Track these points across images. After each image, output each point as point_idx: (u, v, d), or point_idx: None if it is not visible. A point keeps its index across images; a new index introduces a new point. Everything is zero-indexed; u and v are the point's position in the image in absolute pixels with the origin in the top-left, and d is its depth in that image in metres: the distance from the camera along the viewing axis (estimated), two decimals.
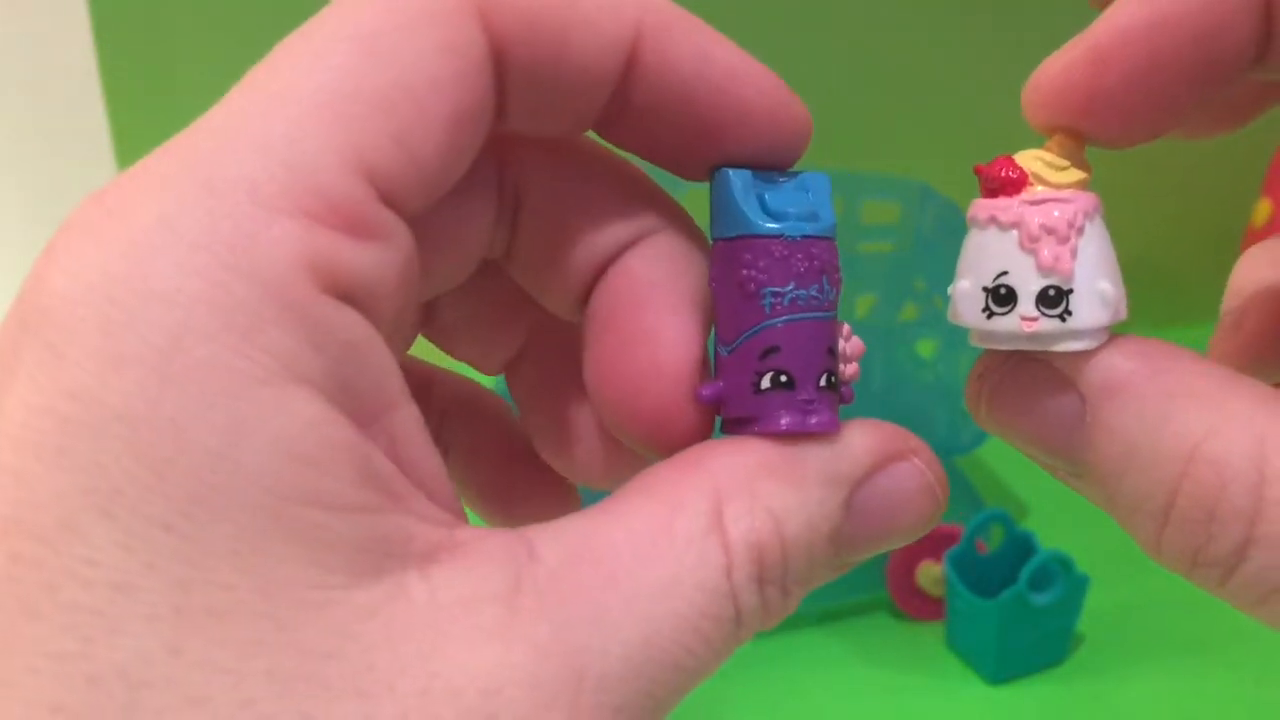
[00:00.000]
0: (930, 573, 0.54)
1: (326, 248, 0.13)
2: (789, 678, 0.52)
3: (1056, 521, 0.58)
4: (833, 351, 0.17)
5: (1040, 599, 0.50)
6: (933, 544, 0.53)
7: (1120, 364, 0.16)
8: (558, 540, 0.15)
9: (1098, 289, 0.17)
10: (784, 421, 0.16)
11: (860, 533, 0.17)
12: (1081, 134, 0.17)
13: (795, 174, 0.18)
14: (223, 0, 0.68)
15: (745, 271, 0.17)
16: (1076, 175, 0.17)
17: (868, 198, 0.61)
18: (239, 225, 0.13)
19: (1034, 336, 0.17)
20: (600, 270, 0.18)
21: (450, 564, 0.14)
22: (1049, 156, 0.17)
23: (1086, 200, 0.17)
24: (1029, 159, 0.17)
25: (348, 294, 0.14)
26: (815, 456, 0.16)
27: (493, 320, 0.21)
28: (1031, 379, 0.17)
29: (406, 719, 0.12)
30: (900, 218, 0.61)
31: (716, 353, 0.18)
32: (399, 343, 0.18)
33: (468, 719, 0.13)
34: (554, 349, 0.21)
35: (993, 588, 0.50)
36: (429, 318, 0.20)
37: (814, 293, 0.17)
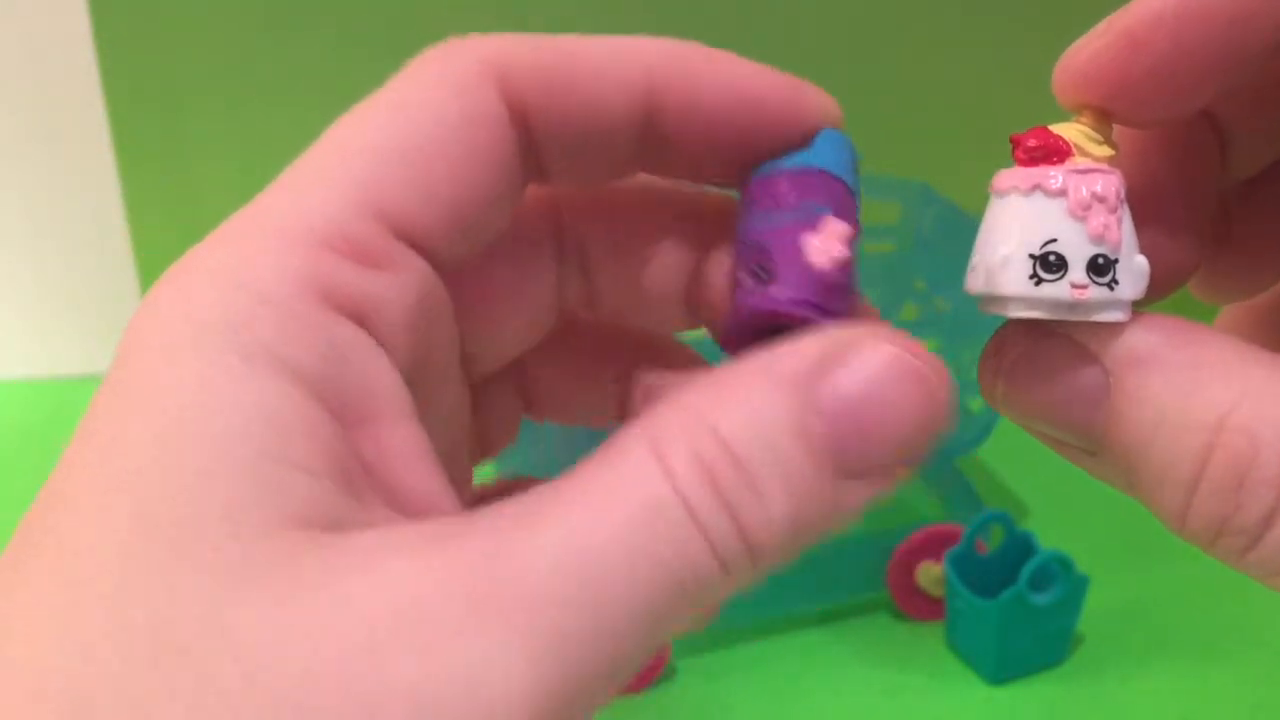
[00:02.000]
0: (930, 573, 0.54)
1: (331, 269, 0.15)
2: (789, 678, 0.52)
3: (1056, 521, 0.59)
4: (759, 248, 0.18)
5: (1040, 599, 0.50)
6: (933, 544, 0.53)
7: (1147, 336, 0.17)
8: (494, 508, 0.15)
9: (1136, 261, 0.17)
10: (750, 301, 0.18)
11: (843, 433, 0.15)
12: (1110, 113, 0.17)
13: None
14: (223, 1, 0.68)
15: (743, 207, 0.19)
16: (1109, 150, 0.17)
17: (868, 198, 0.60)
18: (256, 255, 0.15)
19: (1082, 304, 0.17)
20: (687, 287, 0.20)
21: (384, 527, 0.14)
22: (1087, 129, 0.17)
23: (1121, 175, 0.17)
24: (1069, 130, 0.17)
25: (352, 311, 0.15)
26: (753, 364, 0.15)
27: (584, 373, 0.22)
28: (1054, 352, 0.17)
29: (325, 630, 0.13)
30: (900, 218, 0.61)
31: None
32: (445, 386, 0.19)
33: (397, 621, 0.13)
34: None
35: (993, 588, 0.50)
36: (524, 382, 0.22)
37: (800, 209, 0.18)
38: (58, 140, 0.71)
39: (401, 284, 0.16)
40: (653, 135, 0.18)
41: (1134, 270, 0.17)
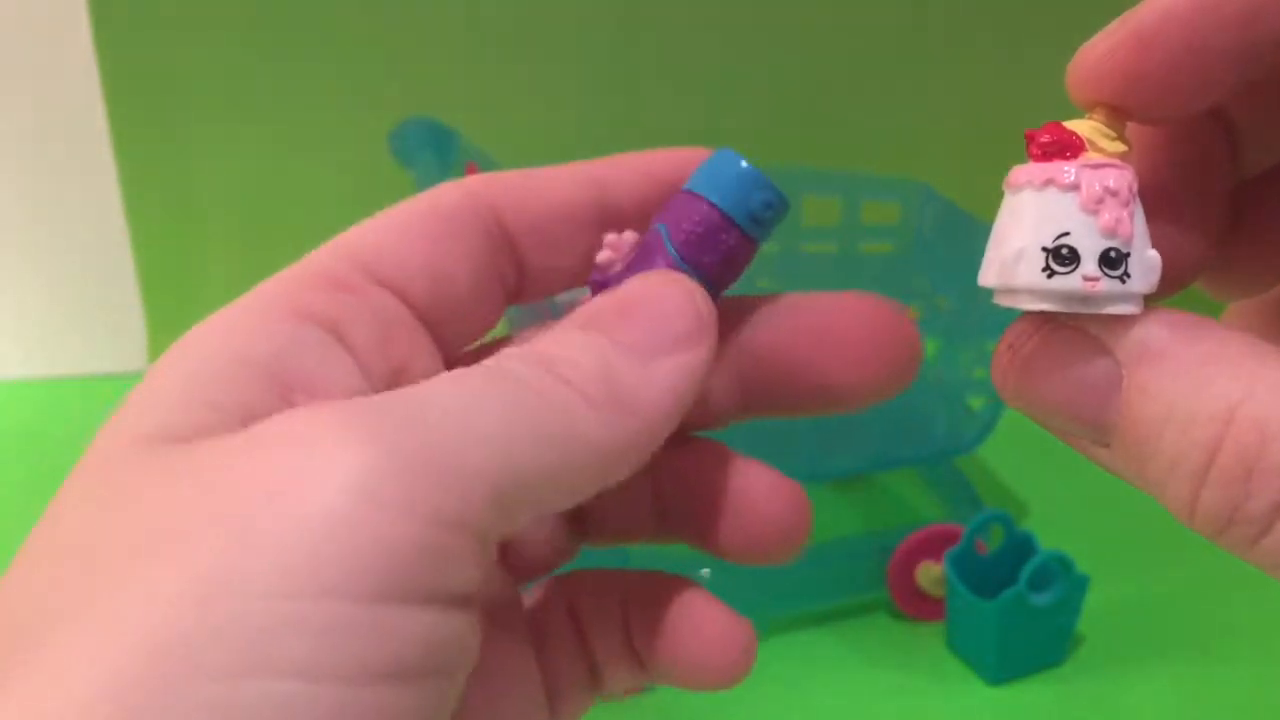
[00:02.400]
0: (930, 573, 0.54)
1: (307, 291, 0.19)
2: (789, 678, 0.52)
3: (1056, 521, 0.59)
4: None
5: (1040, 599, 0.50)
6: (933, 544, 0.53)
7: (1157, 330, 0.17)
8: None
9: (1148, 255, 0.17)
10: None
11: (622, 317, 0.19)
12: (1124, 110, 0.18)
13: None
14: (223, 1, 0.68)
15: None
16: (1122, 146, 0.17)
17: (868, 198, 0.61)
18: (258, 298, 0.19)
19: (1093, 296, 0.17)
20: None
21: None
22: (1100, 125, 0.17)
23: (1134, 170, 0.17)
24: (1083, 126, 0.17)
25: (321, 319, 0.18)
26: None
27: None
28: (1067, 344, 0.18)
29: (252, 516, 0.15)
30: (900, 218, 0.61)
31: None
32: None
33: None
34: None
35: (993, 588, 0.50)
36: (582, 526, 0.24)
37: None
38: (58, 140, 0.71)
39: (369, 305, 0.19)
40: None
41: (1146, 264, 0.17)
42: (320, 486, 0.14)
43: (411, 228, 0.20)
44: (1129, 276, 0.17)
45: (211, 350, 0.17)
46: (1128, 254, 0.17)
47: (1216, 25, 0.17)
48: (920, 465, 0.63)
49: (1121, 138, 0.18)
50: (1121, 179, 0.17)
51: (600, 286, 0.21)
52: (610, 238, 0.21)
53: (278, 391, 0.17)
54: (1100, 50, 0.17)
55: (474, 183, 0.21)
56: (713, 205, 0.20)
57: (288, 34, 0.69)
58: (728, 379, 0.22)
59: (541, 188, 0.21)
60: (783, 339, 0.22)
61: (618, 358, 0.18)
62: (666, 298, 0.19)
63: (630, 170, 0.22)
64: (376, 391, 0.18)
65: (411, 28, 0.69)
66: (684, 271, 0.20)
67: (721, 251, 0.20)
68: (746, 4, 0.72)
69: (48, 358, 0.75)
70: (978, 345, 0.52)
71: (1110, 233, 0.17)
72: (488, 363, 0.18)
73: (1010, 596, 0.49)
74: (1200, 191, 0.20)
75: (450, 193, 0.21)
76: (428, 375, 0.19)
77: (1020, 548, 0.52)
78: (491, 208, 0.21)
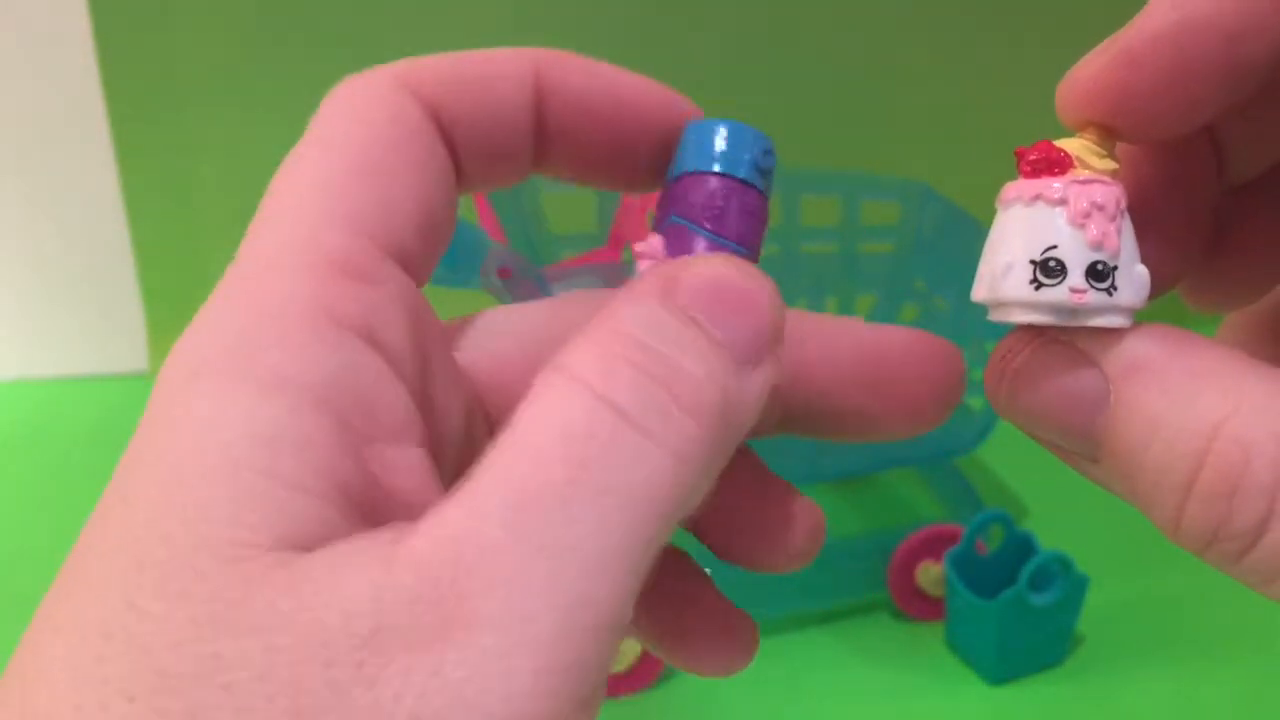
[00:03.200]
0: (930, 573, 0.54)
1: (338, 290, 0.16)
2: (789, 678, 0.52)
3: (1056, 522, 0.59)
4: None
5: (1040, 599, 0.50)
6: (933, 544, 0.53)
7: (1144, 346, 0.17)
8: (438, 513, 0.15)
9: (1136, 270, 0.17)
10: None
11: (710, 316, 0.16)
12: (1113, 129, 0.18)
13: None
14: (223, 1, 0.68)
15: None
16: (1112, 164, 0.18)
17: (868, 198, 0.61)
18: (259, 285, 0.16)
19: (1080, 308, 0.17)
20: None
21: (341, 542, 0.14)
22: (1089, 143, 0.18)
23: (1122, 188, 0.17)
24: (1070, 144, 0.18)
25: (360, 328, 0.16)
26: (611, 300, 0.16)
27: None
28: (1056, 358, 0.18)
29: (299, 645, 0.13)
30: (900, 218, 0.61)
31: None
32: (448, 406, 0.18)
33: (354, 624, 0.13)
34: None
35: (993, 588, 0.50)
36: None
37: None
38: (58, 140, 0.71)
39: (395, 298, 0.17)
40: (543, 132, 0.19)
41: (1134, 278, 0.17)
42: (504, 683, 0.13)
43: (396, 171, 0.17)
44: (1116, 289, 0.17)
45: (263, 382, 0.14)
46: (1115, 267, 0.17)
47: (1202, 48, 0.17)
48: (920, 465, 0.63)
49: (1111, 155, 0.18)
50: (1109, 194, 0.17)
51: None
52: (640, 246, 0.20)
53: (348, 441, 0.15)
54: (1089, 72, 0.18)
55: (403, 74, 0.18)
56: (720, 175, 0.19)
57: (288, 34, 0.69)
58: (773, 394, 0.21)
59: (481, 85, 0.19)
60: (836, 365, 0.21)
61: (723, 367, 0.16)
62: (756, 292, 0.16)
63: (574, 72, 0.19)
64: (419, 405, 0.16)
65: (411, 24, 0.69)
66: (734, 251, 0.19)
67: (750, 217, 0.19)
68: (747, 5, 0.72)
69: (48, 358, 0.75)
70: (977, 345, 0.52)
71: (1097, 246, 0.17)
72: (570, 422, 0.14)
73: (1010, 596, 0.49)
74: (1184, 201, 0.20)
75: (403, 106, 0.18)
76: (446, 368, 0.18)
77: (1020, 548, 0.52)
78: (433, 108, 0.18)
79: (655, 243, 0.19)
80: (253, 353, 0.15)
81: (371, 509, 0.15)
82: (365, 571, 0.13)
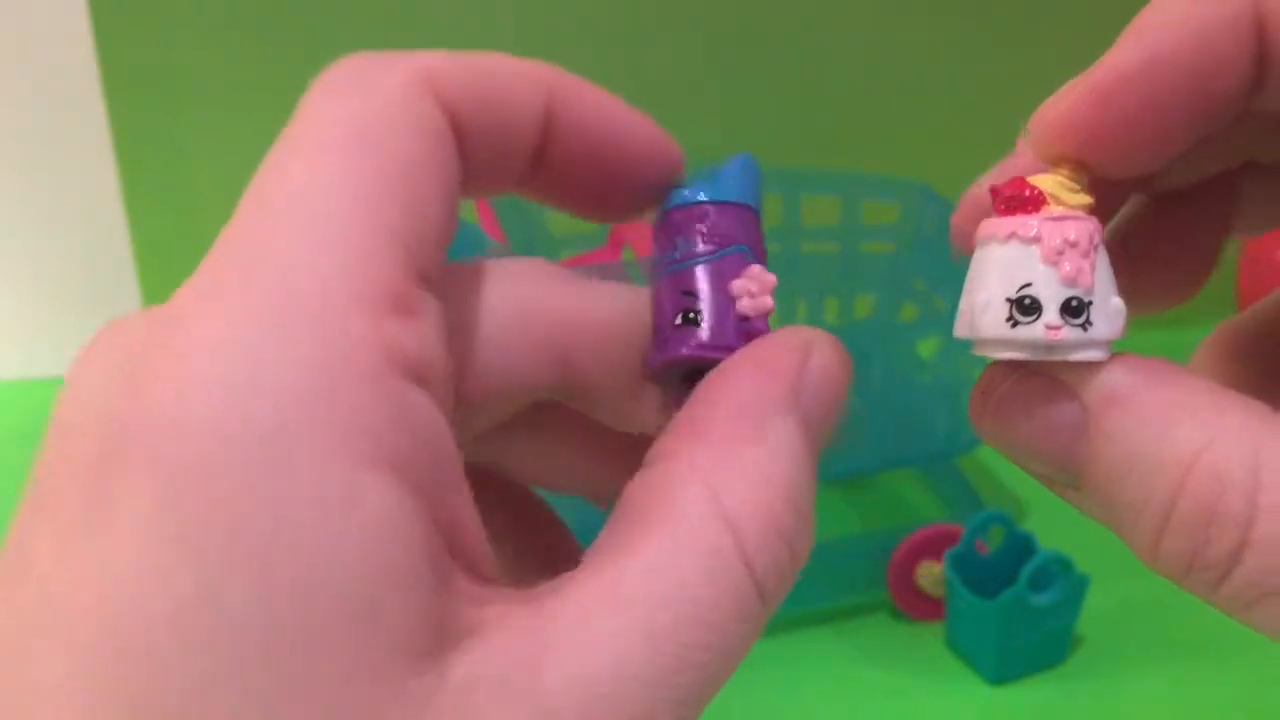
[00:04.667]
0: (930, 573, 0.54)
1: (393, 333, 0.15)
2: (789, 678, 0.52)
3: (1056, 522, 0.58)
4: (689, 292, 0.19)
5: (1040, 599, 0.50)
6: (933, 544, 0.53)
7: (1122, 377, 0.17)
8: (574, 598, 0.15)
9: (1112, 303, 0.18)
10: (650, 361, 0.19)
11: (816, 415, 0.18)
12: (1086, 164, 0.18)
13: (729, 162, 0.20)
14: (223, 1, 0.68)
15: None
16: (1085, 199, 0.18)
17: (868, 198, 0.61)
18: (328, 329, 0.14)
19: (1057, 345, 0.17)
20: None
21: (482, 642, 0.14)
22: (1063, 179, 0.18)
23: (1096, 222, 0.18)
24: (1044, 181, 0.18)
25: (415, 375, 0.15)
26: (752, 394, 0.17)
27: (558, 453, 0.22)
28: (1035, 390, 0.18)
29: None
30: (900, 218, 0.61)
31: None
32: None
33: None
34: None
35: (993, 588, 0.50)
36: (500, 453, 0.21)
37: (670, 254, 0.19)
38: (58, 140, 0.71)
39: (434, 331, 0.15)
40: (539, 154, 0.19)
41: (1109, 312, 0.18)
42: None
43: (427, 184, 0.16)
44: (1091, 324, 0.17)
45: (356, 457, 0.13)
46: (1090, 302, 0.17)
47: (1169, 86, 0.17)
48: (920, 465, 0.63)
49: (1084, 190, 0.18)
50: (1082, 230, 0.17)
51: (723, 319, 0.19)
52: (753, 287, 0.19)
53: (426, 512, 0.14)
54: (1060, 108, 0.18)
55: (426, 71, 0.17)
56: (756, 211, 0.20)
57: (288, 34, 0.69)
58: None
59: (500, 95, 0.18)
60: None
61: (807, 459, 0.17)
62: (846, 379, 0.18)
63: (586, 102, 0.18)
64: (462, 449, 0.16)
65: (412, 25, 0.69)
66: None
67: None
68: (748, 6, 0.72)
69: (48, 358, 0.75)
70: None
71: (1071, 282, 0.17)
72: (708, 557, 0.15)
73: (1010, 596, 0.49)
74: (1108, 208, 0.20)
75: (429, 111, 0.16)
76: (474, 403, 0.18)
77: (1020, 548, 0.52)
78: (452, 113, 0.17)
79: (769, 282, 0.19)
80: (336, 416, 0.13)
81: (447, 570, 0.15)
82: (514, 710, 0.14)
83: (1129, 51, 0.17)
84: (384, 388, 0.14)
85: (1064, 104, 0.18)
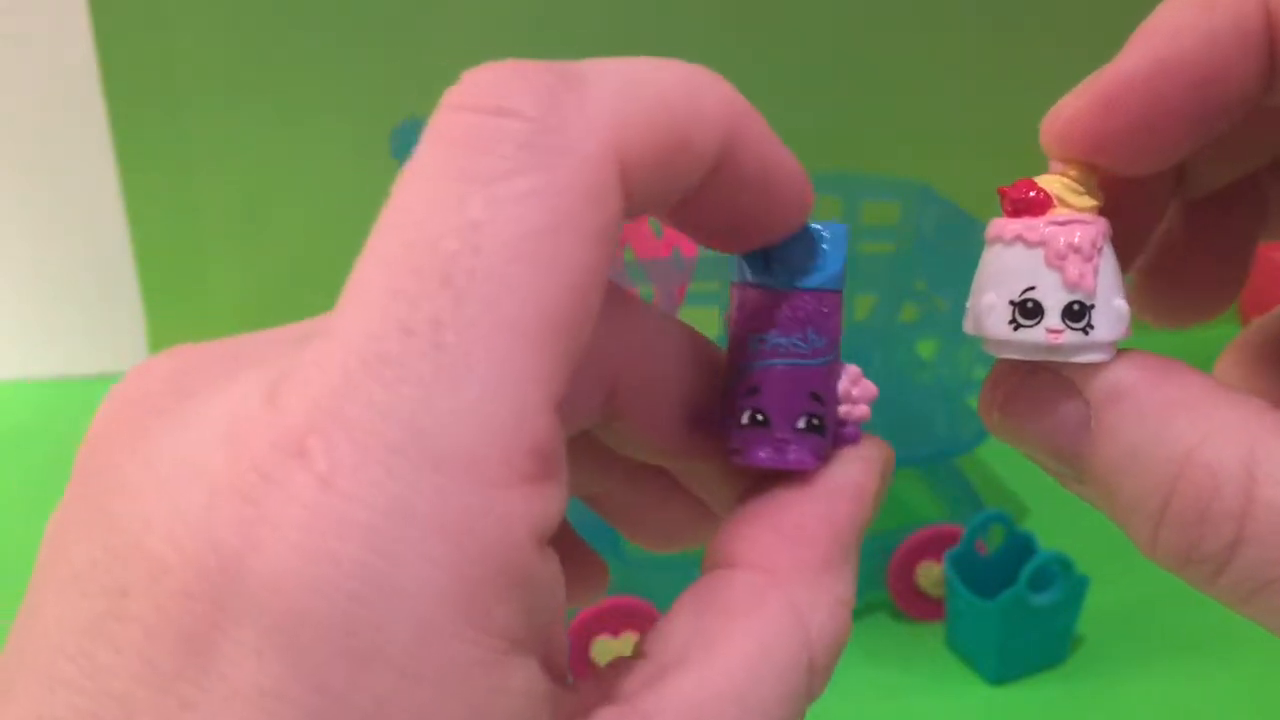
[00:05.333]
0: (930, 573, 0.54)
1: (540, 506, 0.13)
2: None
3: (1056, 522, 0.59)
4: (817, 396, 0.18)
5: (1040, 599, 0.50)
6: (933, 544, 0.53)
7: (1124, 374, 0.18)
8: (666, 709, 0.15)
9: (1114, 305, 0.18)
10: (761, 455, 0.18)
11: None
12: (1095, 166, 0.18)
13: (820, 226, 0.19)
14: (223, 1, 0.68)
15: (734, 315, 0.18)
16: (1092, 201, 0.18)
17: (868, 198, 0.61)
18: (470, 506, 0.13)
19: (1058, 348, 0.18)
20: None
21: None
22: (1069, 181, 0.18)
23: (1103, 224, 0.18)
24: (1051, 182, 0.18)
25: (541, 538, 0.14)
26: (837, 533, 0.19)
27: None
28: (1042, 387, 0.18)
29: None
30: (900, 218, 0.61)
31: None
32: None
33: None
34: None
35: (993, 588, 0.50)
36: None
37: (796, 340, 0.18)
38: (58, 140, 0.71)
39: (566, 490, 0.14)
40: (699, 187, 0.16)
41: (1113, 314, 0.18)
42: None
43: (596, 310, 0.14)
44: (1093, 328, 0.17)
45: (498, 650, 0.13)
46: (1092, 306, 0.17)
47: (1175, 91, 0.17)
48: (920, 465, 0.63)
49: (1091, 192, 0.18)
50: (1086, 234, 0.18)
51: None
52: (855, 392, 0.19)
53: (545, 662, 0.14)
54: (1067, 113, 0.18)
55: (617, 142, 0.14)
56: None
57: (288, 34, 0.69)
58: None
59: (679, 161, 0.15)
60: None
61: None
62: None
63: (758, 141, 0.17)
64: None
65: (414, 27, 0.69)
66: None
67: None
68: (748, 6, 0.72)
69: (48, 358, 0.75)
70: (977, 345, 0.52)
71: (1073, 287, 0.17)
72: (785, 665, 0.16)
73: (1010, 597, 0.49)
74: (1142, 217, 0.21)
75: (616, 209, 0.14)
76: None
77: (1020, 548, 0.52)
78: (628, 187, 0.15)
79: (870, 391, 0.19)
80: (484, 617, 0.13)
81: (556, 702, 0.15)
82: None
83: (1136, 56, 0.18)
84: (521, 575, 0.13)
85: (1072, 110, 0.18)
